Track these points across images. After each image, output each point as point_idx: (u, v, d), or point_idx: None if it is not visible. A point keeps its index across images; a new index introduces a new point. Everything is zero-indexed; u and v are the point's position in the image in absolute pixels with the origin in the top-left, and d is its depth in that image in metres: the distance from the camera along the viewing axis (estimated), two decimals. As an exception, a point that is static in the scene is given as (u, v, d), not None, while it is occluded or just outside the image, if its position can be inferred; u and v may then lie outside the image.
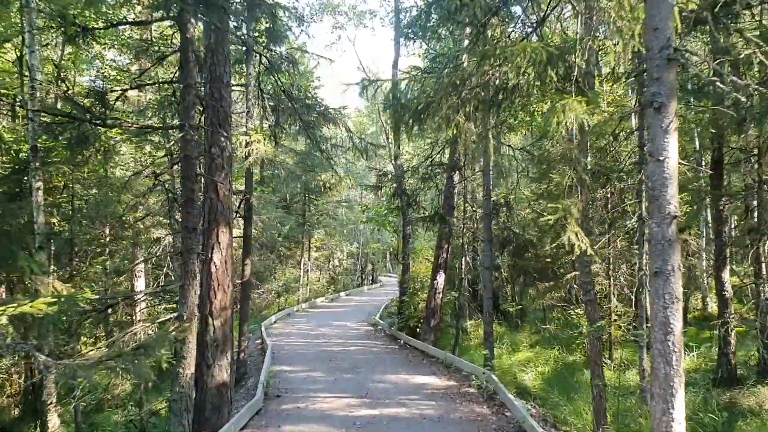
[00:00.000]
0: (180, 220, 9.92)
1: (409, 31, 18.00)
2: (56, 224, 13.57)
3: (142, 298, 18.33)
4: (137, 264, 20.18)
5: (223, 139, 10.34)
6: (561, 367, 17.55)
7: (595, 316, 9.48)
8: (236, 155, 15.65)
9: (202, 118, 10.60)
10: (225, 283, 10.31)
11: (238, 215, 16.07)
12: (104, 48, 16.11)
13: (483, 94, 6.95)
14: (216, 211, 10.25)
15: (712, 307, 26.04)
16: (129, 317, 20.21)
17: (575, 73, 6.73)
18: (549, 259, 21.11)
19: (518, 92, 6.68)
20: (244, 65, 16.27)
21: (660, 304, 5.46)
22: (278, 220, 25.90)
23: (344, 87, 46.63)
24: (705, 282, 25.21)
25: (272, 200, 28.50)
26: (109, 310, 14.69)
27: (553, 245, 18.28)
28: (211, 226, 10.21)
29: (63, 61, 14.46)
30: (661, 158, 5.57)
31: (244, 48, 15.61)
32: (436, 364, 15.07)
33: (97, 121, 8.99)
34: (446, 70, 7.98)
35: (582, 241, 7.31)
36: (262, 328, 20.95)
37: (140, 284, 21.51)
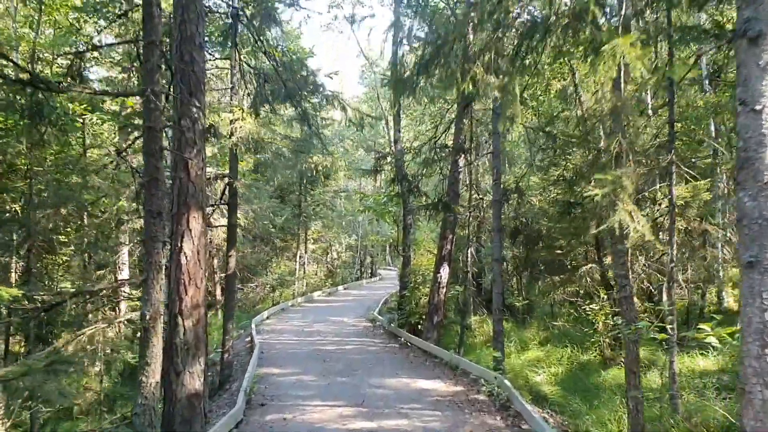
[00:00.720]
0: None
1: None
2: (13, 209, 12.13)
3: (125, 294, 16.91)
4: (119, 255, 18.82)
5: (195, 109, 8.89)
6: (575, 368, 16.17)
7: (632, 314, 8.05)
8: (220, 136, 14.23)
9: (172, 88, 9.18)
10: (197, 277, 8.88)
11: (222, 202, 14.65)
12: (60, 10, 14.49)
13: (505, 37, 5.53)
14: (186, 193, 8.81)
15: (729, 301, 24.76)
16: (114, 314, 18.88)
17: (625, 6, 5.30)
18: (559, 251, 19.74)
19: (551, 32, 5.25)
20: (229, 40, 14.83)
21: (755, 305, 4.01)
22: (271, 209, 24.45)
23: (342, 68, 45.05)
24: (721, 274, 23.89)
25: (266, 189, 27.07)
26: (90, 306, 13.29)
27: (569, 237, 16.96)
28: (180, 210, 8.76)
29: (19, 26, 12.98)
30: (758, 107, 4.13)
31: (230, 21, 14.21)
32: (440, 366, 13.68)
33: (42, 85, 7.53)
34: (459, 10, 6.53)
35: (639, 223, 5.86)
36: (253, 325, 19.56)
37: (124, 277, 20.14)
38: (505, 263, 24.15)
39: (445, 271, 15.88)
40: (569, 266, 18.39)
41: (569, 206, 13.67)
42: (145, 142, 8.25)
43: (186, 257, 8.75)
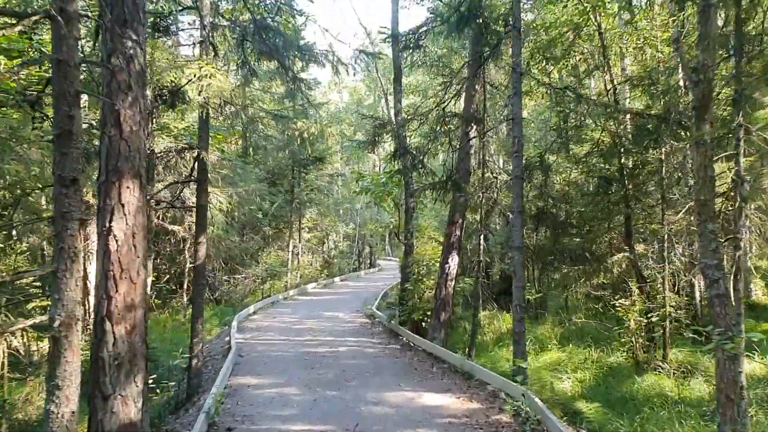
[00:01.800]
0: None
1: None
2: None
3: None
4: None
5: (130, 43, 6.60)
6: (604, 373, 13.99)
7: (727, 320, 5.83)
8: (188, 101, 11.98)
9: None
10: (133, 269, 6.63)
11: (191, 180, 12.40)
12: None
13: None
14: (118, 155, 6.54)
15: (757, 294, 22.77)
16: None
17: None
18: (579, 238, 17.60)
19: None
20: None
21: None
22: (259, 193, 22.18)
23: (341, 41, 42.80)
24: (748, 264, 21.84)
25: (254, 171, 24.78)
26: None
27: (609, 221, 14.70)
28: (109, 179, 6.47)
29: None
30: None
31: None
32: (450, 374, 11.48)
33: None
34: None
35: None
36: (234, 323, 17.32)
37: (91, 270, 17.90)
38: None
39: (453, 261, 13.67)
40: (591, 255, 16.19)
41: (607, 183, 11.42)
42: (55, 81, 5.99)
43: (117, 241, 6.47)
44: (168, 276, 24.39)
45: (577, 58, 14.04)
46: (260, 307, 22.41)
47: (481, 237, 13.57)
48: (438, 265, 16.51)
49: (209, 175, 16.75)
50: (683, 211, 12.49)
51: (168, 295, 24.49)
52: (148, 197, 13.81)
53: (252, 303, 25.00)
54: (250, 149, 30.33)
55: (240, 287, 27.15)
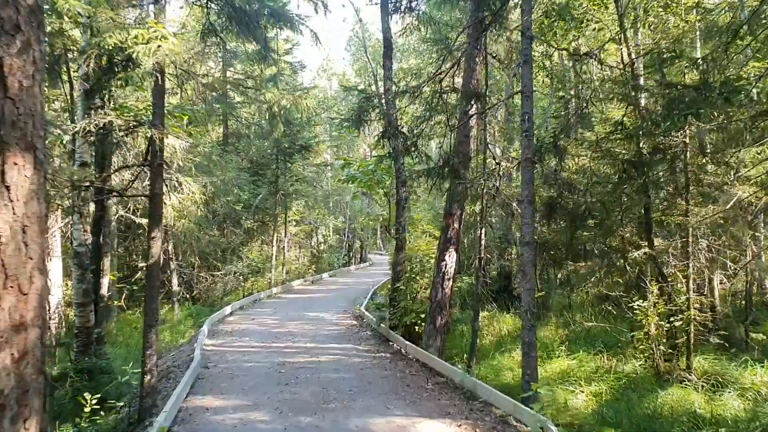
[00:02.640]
0: None
1: None
2: None
3: None
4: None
5: (18, -32, 4.93)
6: (622, 385, 12.36)
7: None
8: (138, 64, 10.20)
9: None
10: (23, 275, 4.88)
11: (145, 165, 10.62)
12: None
13: None
14: (1, 119, 4.86)
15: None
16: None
17: None
18: (593, 232, 16.01)
19: None
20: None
21: None
22: (237, 182, 20.40)
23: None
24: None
25: (231, 159, 22.97)
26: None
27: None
28: (-12, 151, 4.80)
29: None
30: None
31: None
32: (448, 392, 9.79)
33: None
34: None
35: None
36: (205, 327, 15.59)
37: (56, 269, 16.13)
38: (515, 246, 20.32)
39: (451, 258, 11.97)
40: (608, 249, 14.54)
41: (632, 167, 9.74)
42: None
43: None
44: (140, 273, 22.60)
45: (592, 27, 12.33)
46: (239, 307, 20.67)
47: (482, 231, 11.88)
48: (433, 262, 14.84)
49: (177, 160, 15.06)
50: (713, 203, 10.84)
51: (141, 294, 22.70)
52: (98, 184, 12.04)
53: (232, 302, 23.29)
54: (233, 139, 28.49)
55: (220, 285, 25.40)
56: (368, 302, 21.11)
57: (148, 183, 10.60)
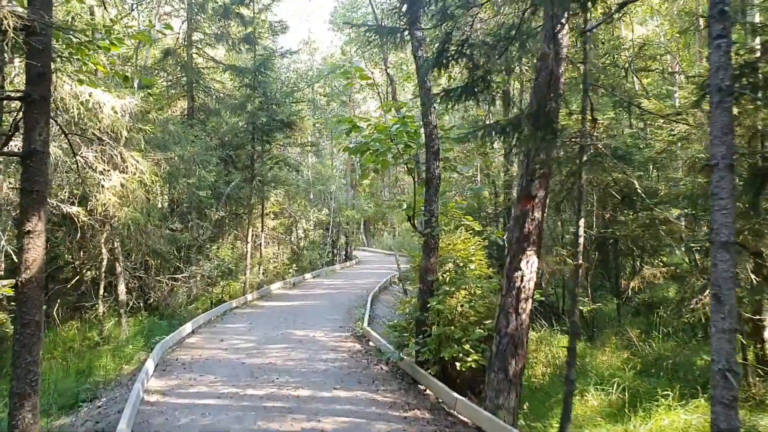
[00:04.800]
0: None
1: None
2: None
3: None
4: None
5: None
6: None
7: None
8: None
9: None
10: None
11: (16, 98, 6.02)
12: None
13: None
14: None
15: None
16: None
17: None
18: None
19: None
20: None
21: None
22: (199, 159, 15.80)
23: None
24: None
25: (198, 135, 18.33)
26: None
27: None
28: None
29: None
30: None
31: None
32: None
33: None
34: None
35: None
36: (151, 360, 11.02)
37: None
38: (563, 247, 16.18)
39: (530, 266, 7.59)
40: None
41: None
42: None
43: None
44: (78, 277, 17.89)
45: None
46: (204, 321, 16.08)
47: (581, 222, 7.55)
48: (473, 268, 10.47)
49: (121, 129, 10.93)
50: None
51: (80, 303, 18.02)
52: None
53: (195, 314, 18.71)
54: (200, 115, 23.70)
55: (184, 290, 20.74)
56: (369, 314, 16.68)
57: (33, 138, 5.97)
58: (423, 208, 10.37)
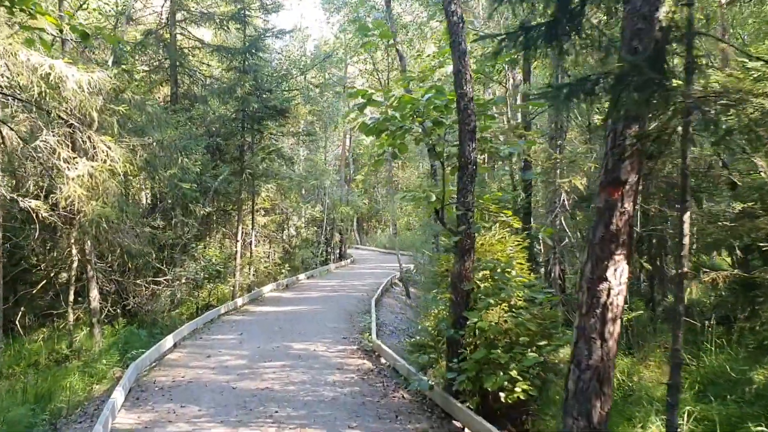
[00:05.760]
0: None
1: None
2: None
3: None
4: None
5: None
6: None
7: None
8: None
9: None
10: None
11: None
12: None
13: None
14: None
15: None
16: None
17: None
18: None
19: None
20: None
21: None
22: (181, 144, 13.80)
23: None
24: None
25: (182, 122, 16.32)
26: None
27: None
28: None
29: None
30: None
31: None
32: None
33: None
34: None
35: None
36: (119, 389, 9.01)
37: None
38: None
39: (619, 274, 5.68)
40: None
41: None
42: None
43: None
44: (47, 281, 15.83)
45: None
46: (187, 333, 14.08)
47: (686, 217, 5.67)
48: (514, 274, 8.57)
49: (90, 109, 9.42)
50: None
51: (50, 310, 15.96)
52: None
53: (179, 321, 16.76)
54: (185, 102, 21.60)
55: (166, 294, 18.71)
56: (375, 321, 14.75)
57: None
58: (454, 199, 8.44)
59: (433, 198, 8.33)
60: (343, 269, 33.42)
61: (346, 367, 10.91)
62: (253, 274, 23.96)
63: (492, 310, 7.98)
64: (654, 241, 13.80)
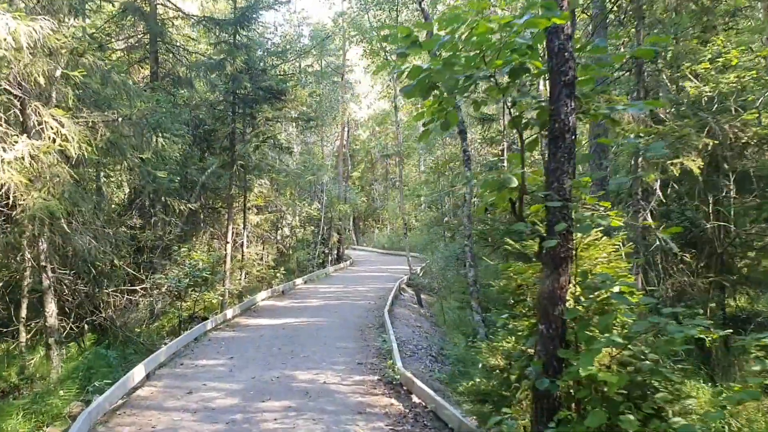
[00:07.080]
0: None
1: None
2: None
3: None
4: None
5: None
6: None
7: None
8: None
9: None
10: None
11: None
12: None
13: None
14: None
15: None
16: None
17: None
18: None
19: None
20: None
21: None
22: (153, 119, 11.10)
23: None
24: None
25: (161, 101, 13.64)
26: None
27: None
28: None
29: None
30: None
31: None
32: None
33: None
34: None
35: None
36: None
37: None
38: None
39: None
40: None
41: None
42: None
43: None
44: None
45: None
46: (165, 359, 11.35)
47: None
48: (619, 293, 5.94)
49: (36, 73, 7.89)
50: None
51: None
52: None
53: (157, 339, 14.17)
54: (168, 84, 18.84)
55: (144, 305, 16.02)
56: (395, 342, 12.14)
57: None
58: (550, 186, 5.82)
59: (513, 182, 5.68)
60: (343, 272, 30.78)
61: (371, 411, 8.28)
62: (245, 279, 21.34)
63: (609, 349, 5.41)
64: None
